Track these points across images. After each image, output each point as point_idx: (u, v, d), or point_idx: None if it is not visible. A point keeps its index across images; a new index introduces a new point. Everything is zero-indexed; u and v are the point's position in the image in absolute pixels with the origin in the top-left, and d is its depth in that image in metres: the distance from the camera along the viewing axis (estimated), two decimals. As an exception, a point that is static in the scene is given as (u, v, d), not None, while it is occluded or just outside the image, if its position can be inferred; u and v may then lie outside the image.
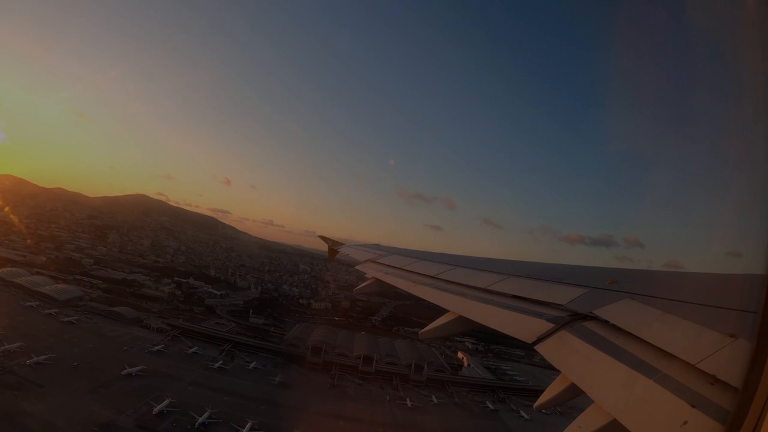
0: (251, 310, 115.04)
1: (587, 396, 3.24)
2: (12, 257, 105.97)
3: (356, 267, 10.75)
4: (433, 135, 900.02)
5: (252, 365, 73.93)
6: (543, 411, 72.58)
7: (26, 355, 57.00)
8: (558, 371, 3.73)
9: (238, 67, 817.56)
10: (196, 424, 50.58)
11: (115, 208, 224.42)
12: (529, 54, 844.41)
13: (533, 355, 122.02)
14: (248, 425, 52.27)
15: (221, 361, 72.39)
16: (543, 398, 3.76)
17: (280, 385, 68.12)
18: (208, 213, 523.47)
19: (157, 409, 51.76)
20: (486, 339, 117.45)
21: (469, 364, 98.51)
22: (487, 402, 75.73)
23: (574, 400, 3.71)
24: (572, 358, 3.71)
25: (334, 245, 14.78)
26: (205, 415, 52.42)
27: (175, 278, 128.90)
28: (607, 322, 3.90)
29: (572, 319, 4.24)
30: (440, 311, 6.03)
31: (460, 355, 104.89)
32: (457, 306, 5.88)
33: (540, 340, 4.11)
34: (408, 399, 70.66)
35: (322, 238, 15.87)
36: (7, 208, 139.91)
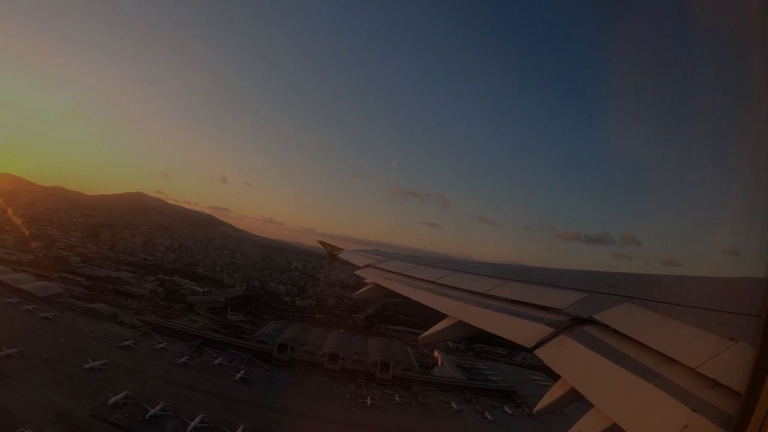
0: (229, 307, 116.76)
1: (587, 400, 3.24)
2: (0, 255, 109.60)
3: (356, 272, 10.96)
4: (426, 132, 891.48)
5: (217, 361, 75.29)
6: (526, 414, 70.97)
7: (-2, 348, 59.13)
8: (556, 375, 3.74)
9: (235, 65, 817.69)
10: (147, 415, 52.47)
11: (112, 207, 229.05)
12: (522, 49, 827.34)
13: (515, 354, 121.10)
14: (198, 419, 53.88)
15: (187, 357, 73.91)
16: (543, 403, 3.75)
17: (240, 381, 69.40)
18: (207, 211, 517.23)
19: (112, 400, 53.68)
20: (470, 337, 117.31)
21: (442, 363, 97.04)
22: (452, 402, 74.38)
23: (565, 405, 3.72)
24: (572, 363, 3.72)
25: (333, 250, 15.17)
26: (158, 407, 54.14)
27: (160, 275, 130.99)
28: (607, 326, 3.88)
29: (572, 324, 4.23)
30: (435, 313, 6.14)
31: (436, 353, 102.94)
32: (457, 311, 5.88)
33: (540, 344, 4.12)
34: (369, 397, 70.65)
35: (322, 243, 16.25)
36: (1, 207, 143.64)
